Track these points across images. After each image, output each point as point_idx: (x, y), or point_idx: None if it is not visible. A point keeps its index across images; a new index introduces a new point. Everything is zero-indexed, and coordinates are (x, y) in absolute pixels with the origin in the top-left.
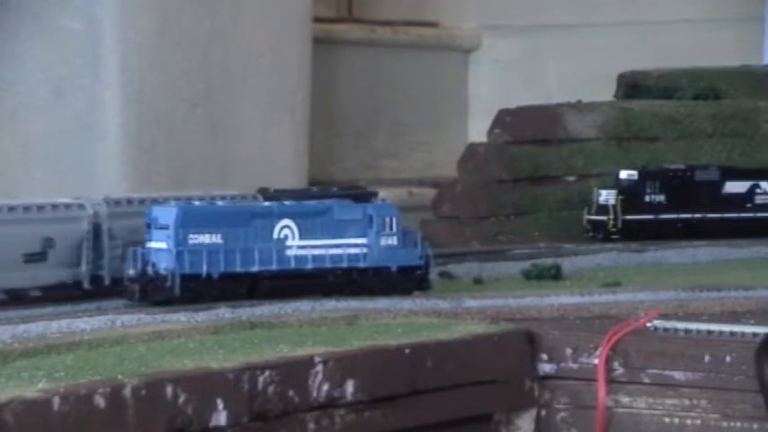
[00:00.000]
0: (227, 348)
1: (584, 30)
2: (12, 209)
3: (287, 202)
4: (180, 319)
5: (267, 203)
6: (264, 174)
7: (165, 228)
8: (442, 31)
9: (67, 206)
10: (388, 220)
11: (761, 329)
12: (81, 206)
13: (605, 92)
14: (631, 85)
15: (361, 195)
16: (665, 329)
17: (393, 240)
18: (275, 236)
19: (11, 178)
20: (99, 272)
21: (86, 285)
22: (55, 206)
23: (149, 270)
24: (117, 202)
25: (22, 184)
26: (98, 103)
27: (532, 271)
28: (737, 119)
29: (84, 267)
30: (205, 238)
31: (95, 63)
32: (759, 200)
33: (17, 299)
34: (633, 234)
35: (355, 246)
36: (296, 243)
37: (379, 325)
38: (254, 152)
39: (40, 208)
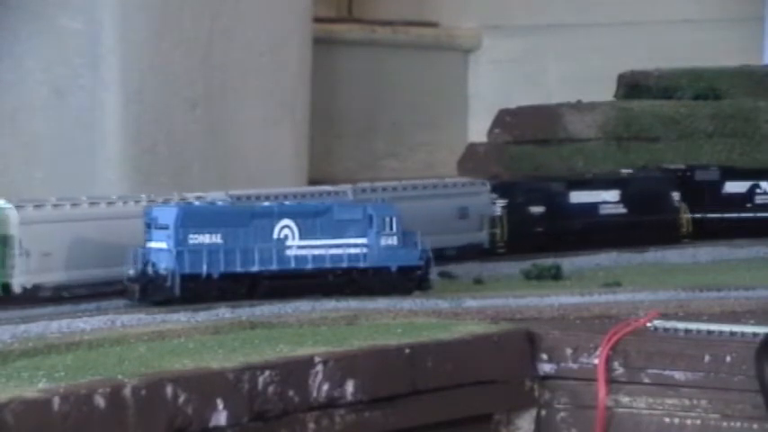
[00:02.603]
0: (227, 348)
1: (584, 30)
2: None
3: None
4: (180, 319)
5: (267, 203)
6: (264, 174)
7: (165, 228)
8: (442, 31)
9: None
10: (388, 219)
11: (761, 329)
12: None
13: (605, 92)
14: (631, 85)
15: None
16: (665, 329)
17: (393, 240)
18: (275, 236)
19: (11, 178)
20: None
21: None
22: None
23: (149, 270)
24: None
25: (22, 184)
26: (98, 103)
27: (532, 271)
28: (737, 119)
29: None
30: (205, 238)
31: (95, 63)
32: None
33: None
34: None
35: (355, 246)
36: (296, 243)
37: (379, 325)
38: (254, 152)
39: None
